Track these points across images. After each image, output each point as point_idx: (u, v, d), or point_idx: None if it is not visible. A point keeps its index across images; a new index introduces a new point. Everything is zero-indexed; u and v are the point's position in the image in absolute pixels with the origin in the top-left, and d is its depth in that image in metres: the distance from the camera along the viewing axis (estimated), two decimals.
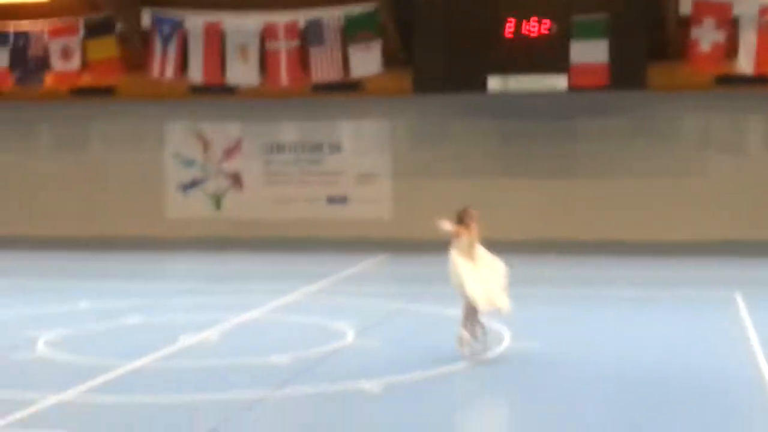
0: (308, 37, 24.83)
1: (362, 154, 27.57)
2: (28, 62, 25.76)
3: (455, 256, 13.26)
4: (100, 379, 11.92)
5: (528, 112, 26.34)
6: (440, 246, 24.43)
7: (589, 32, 23.60)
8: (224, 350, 13.69)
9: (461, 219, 13.27)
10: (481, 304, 12.96)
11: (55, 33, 25.68)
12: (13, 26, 25.69)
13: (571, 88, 23.96)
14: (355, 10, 24.67)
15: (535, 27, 24.03)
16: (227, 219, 28.01)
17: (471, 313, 13.13)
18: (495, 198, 26.57)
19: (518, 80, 24.22)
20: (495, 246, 24.43)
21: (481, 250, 13.34)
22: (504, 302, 13.12)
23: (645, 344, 14.10)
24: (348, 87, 25.50)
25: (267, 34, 24.97)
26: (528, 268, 21.80)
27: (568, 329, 15.30)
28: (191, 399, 11.16)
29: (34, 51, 25.65)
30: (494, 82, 24.27)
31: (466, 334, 13.14)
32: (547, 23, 24.02)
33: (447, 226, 13.16)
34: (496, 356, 13.21)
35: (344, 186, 27.50)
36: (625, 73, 23.70)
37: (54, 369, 12.87)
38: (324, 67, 24.76)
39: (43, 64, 25.78)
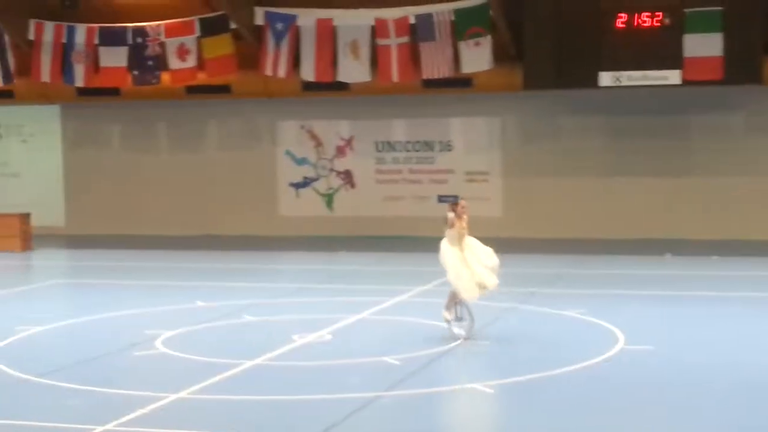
0: (418, 32, 24.80)
1: (472, 151, 27.48)
2: (145, 61, 26.18)
3: (445, 246, 14.50)
4: (216, 378, 12.13)
5: (640, 108, 25.99)
6: (551, 245, 24.47)
7: (703, 25, 23.22)
8: (337, 350, 13.81)
9: (453, 210, 14.52)
10: (465, 293, 14.12)
11: (172, 32, 26.01)
12: (131, 26, 26.14)
13: (685, 82, 23.58)
14: (466, 5, 24.55)
15: (647, 20, 23.73)
16: (339, 217, 28.16)
17: (454, 298, 14.34)
18: (607, 195, 26.39)
19: (630, 75, 23.89)
20: (607, 244, 24.35)
21: (470, 239, 14.54)
22: (492, 281, 14.24)
23: (764, 346, 13.87)
24: (458, 83, 25.47)
25: (378, 31, 25.01)
26: (641, 268, 21.62)
27: (683, 330, 15.10)
28: (306, 398, 11.31)
29: (151, 50, 26.10)
30: (605, 78, 23.98)
31: (447, 315, 14.41)
32: (659, 16, 23.69)
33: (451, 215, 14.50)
34: (610, 358, 13.13)
35: (455, 184, 27.43)
36: (740, 67, 23.27)
37: (172, 367, 13.13)
38: (434, 63, 24.73)
39: (160, 63, 26.16)
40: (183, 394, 11.44)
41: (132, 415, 10.59)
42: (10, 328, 15.38)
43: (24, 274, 23.40)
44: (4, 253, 25.23)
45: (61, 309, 17.52)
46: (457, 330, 14.30)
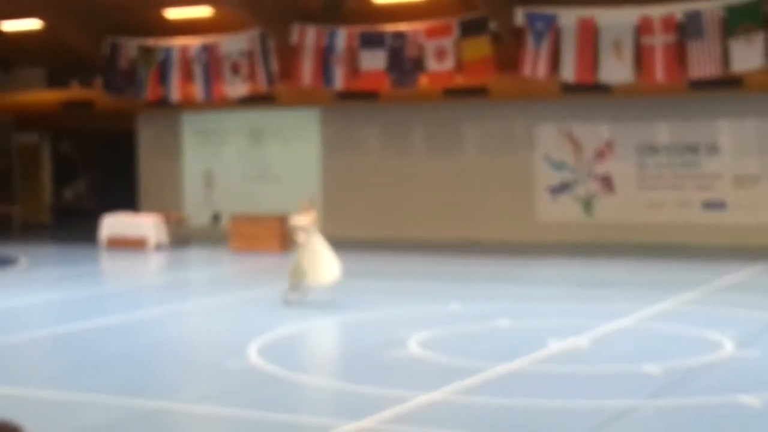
0: (686, 30, 23.75)
1: (741, 155, 26.16)
2: (404, 64, 26.18)
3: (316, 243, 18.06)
4: (469, 380, 11.91)
5: None
6: None
7: None
8: (594, 357, 13.36)
9: (307, 209, 18.12)
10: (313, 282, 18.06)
11: (431, 34, 25.92)
12: (390, 28, 26.21)
13: None
14: (737, 0, 23.37)
15: None
16: (598, 223, 27.43)
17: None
18: None
19: None
20: None
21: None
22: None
23: None
24: (727, 83, 24.30)
25: (642, 29, 24.07)
26: None
27: None
28: (560, 404, 10.95)
29: (409, 52, 26.08)
30: None
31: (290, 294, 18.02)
32: None
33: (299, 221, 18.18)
34: None
35: (721, 190, 26.20)
36: None
37: (425, 368, 13.00)
38: (702, 62, 23.61)
39: (418, 65, 26.11)
40: (436, 394, 11.26)
41: (385, 413, 10.49)
42: (270, 324, 15.67)
43: (282, 274, 23.77)
44: (263, 254, 25.82)
45: (316, 308, 17.64)
46: (294, 299, 17.88)
